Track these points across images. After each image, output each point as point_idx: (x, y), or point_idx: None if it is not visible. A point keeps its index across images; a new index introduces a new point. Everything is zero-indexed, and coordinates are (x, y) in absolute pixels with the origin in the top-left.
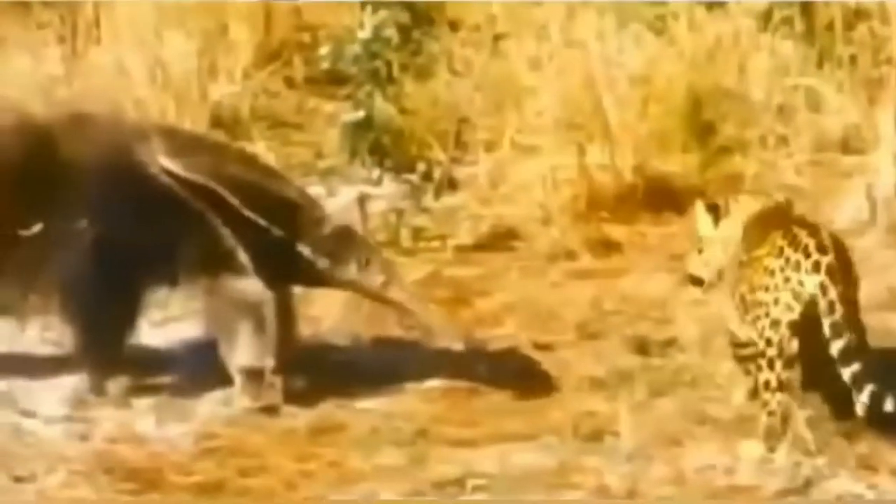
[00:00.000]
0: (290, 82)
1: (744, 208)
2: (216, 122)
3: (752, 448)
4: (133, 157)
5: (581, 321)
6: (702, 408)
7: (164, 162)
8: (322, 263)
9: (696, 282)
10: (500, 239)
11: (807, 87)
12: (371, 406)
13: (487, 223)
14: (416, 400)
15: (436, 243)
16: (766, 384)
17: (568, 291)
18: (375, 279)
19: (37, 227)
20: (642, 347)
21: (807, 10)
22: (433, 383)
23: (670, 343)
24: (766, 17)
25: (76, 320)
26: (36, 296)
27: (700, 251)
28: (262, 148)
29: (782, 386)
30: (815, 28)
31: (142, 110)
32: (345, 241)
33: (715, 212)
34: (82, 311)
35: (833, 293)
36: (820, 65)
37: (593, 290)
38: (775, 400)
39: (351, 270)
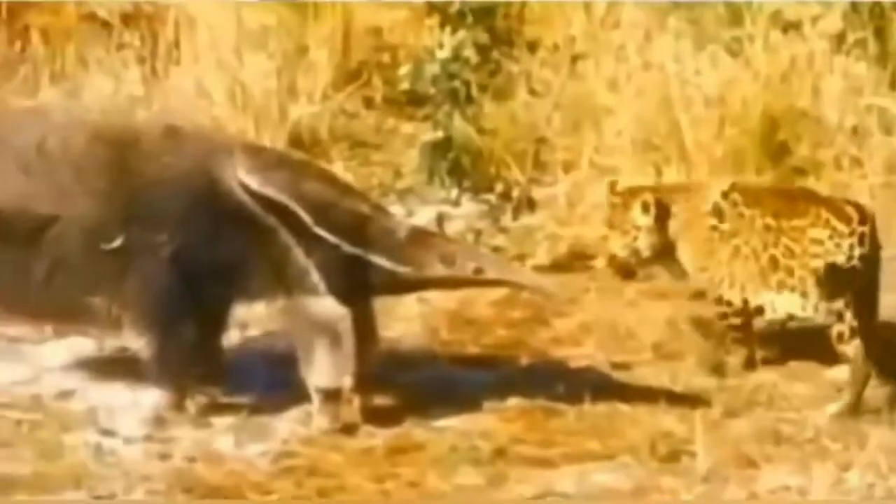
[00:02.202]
0: (368, 103)
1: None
2: (295, 142)
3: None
4: (214, 171)
5: (657, 341)
6: (777, 428)
7: (242, 177)
8: (403, 270)
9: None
10: (578, 259)
11: (880, 109)
12: (449, 425)
13: (565, 243)
14: (494, 419)
15: (514, 263)
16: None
17: (645, 311)
18: (467, 267)
19: (118, 241)
20: (718, 367)
21: (880, 33)
22: (511, 402)
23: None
24: (839, 39)
25: (155, 336)
26: (115, 310)
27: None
28: (340, 168)
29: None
30: (888, 50)
31: (221, 131)
32: (422, 243)
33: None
34: (161, 326)
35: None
36: (893, 86)
37: (670, 309)
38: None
39: (437, 268)
